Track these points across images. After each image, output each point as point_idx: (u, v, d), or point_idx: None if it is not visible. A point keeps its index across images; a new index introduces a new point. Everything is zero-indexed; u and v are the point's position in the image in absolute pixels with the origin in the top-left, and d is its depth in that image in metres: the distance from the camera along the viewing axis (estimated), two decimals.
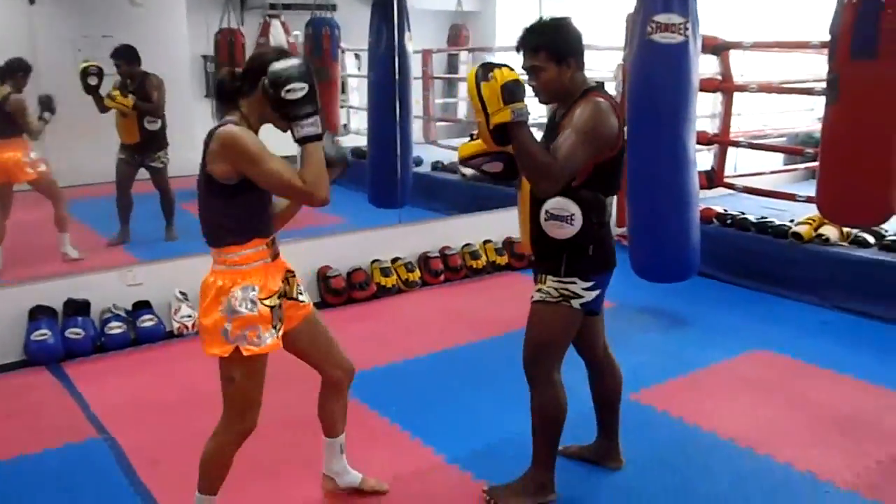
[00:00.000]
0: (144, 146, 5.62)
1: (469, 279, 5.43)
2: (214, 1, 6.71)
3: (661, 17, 4.24)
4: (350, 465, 2.86)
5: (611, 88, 6.15)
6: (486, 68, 2.36)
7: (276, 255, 2.46)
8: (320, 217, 6.38)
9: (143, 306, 4.37)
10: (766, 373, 3.93)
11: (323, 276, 4.95)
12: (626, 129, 2.78)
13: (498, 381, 3.80)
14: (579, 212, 2.53)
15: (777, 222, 5.13)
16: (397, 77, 5.59)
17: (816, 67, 7.74)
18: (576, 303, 2.63)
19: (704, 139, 5.27)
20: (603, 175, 2.57)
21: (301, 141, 2.26)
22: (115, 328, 4.17)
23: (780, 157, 7.36)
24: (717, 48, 5.20)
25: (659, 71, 4.36)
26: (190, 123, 6.03)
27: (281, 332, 2.42)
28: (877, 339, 4.34)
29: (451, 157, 7.50)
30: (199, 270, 4.30)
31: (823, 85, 6.91)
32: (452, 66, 9.23)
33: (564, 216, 2.54)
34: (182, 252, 4.70)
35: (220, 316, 2.33)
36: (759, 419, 3.41)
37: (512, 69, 2.39)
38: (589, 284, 2.62)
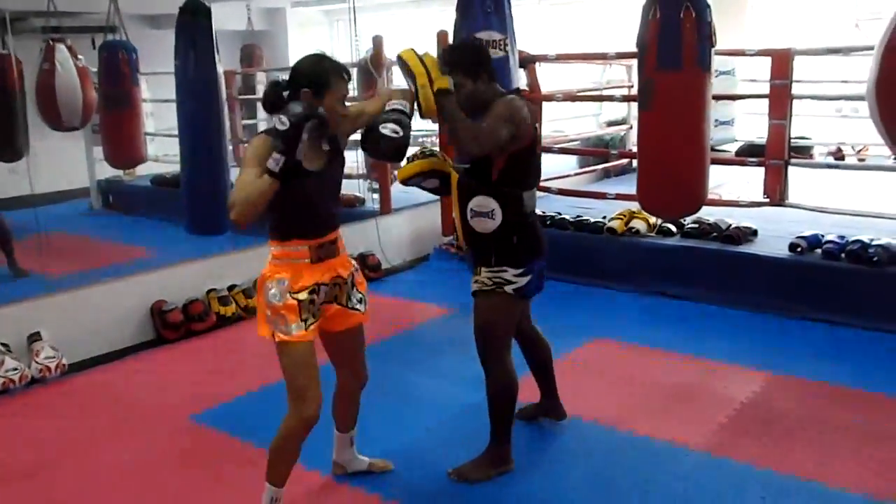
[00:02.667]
0: None
1: None
2: None
3: (483, 34, 4.50)
4: (240, 500, 2.85)
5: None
6: (415, 49, 2.74)
7: (321, 259, 2.61)
8: (126, 251, 6.10)
9: None
10: (608, 358, 4.28)
11: (158, 311, 4.70)
12: (538, 130, 3.04)
13: (367, 394, 3.82)
14: (498, 206, 2.84)
15: (592, 220, 5.57)
16: (214, 101, 5.42)
17: (608, 76, 8.50)
18: (509, 288, 2.92)
19: None
20: (516, 170, 2.85)
21: (264, 169, 2.41)
22: None
23: (573, 159, 7.97)
24: (525, 61, 5.56)
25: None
26: None
27: (313, 326, 2.60)
28: (689, 316, 4.84)
29: None
30: (19, 318, 4.02)
31: (616, 92, 7.61)
32: (248, 86, 9.06)
33: (486, 212, 2.85)
34: None
35: (263, 302, 2.60)
36: (614, 400, 3.71)
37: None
38: (519, 271, 2.91)
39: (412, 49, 2.78)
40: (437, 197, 5.73)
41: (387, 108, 2.68)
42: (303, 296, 2.56)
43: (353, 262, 2.80)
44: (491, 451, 3.08)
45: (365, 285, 2.81)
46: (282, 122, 2.36)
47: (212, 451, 3.39)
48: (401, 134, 2.62)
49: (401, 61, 2.79)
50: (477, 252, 2.98)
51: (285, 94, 2.54)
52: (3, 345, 4.08)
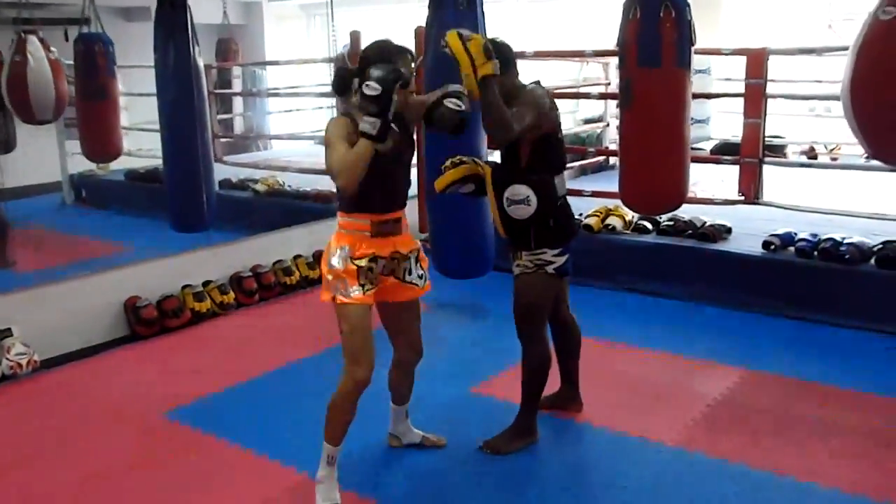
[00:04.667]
0: None
1: (284, 296, 5.37)
2: None
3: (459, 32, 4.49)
4: (216, 500, 2.84)
5: None
6: (463, 33, 2.80)
7: (383, 234, 2.80)
8: (100, 246, 6.03)
9: None
10: (582, 355, 4.27)
11: (132, 308, 4.65)
12: (559, 117, 3.17)
13: None
14: (532, 193, 3.01)
15: None
16: (194, 95, 5.36)
17: (585, 73, 8.54)
18: (550, 268, 3.12)
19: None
20: (542, 156, 3.03)
21: (360, 133, 2.61)
22: None
23: None
24: None
25: (456, 81, 4.60)
26: None
27: (371, 291, 2.79)
28: (663, 313, 4.88)
29: (237, 173, 7.32)
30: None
31: (593, 89, 7.63)
32: (224, 80, 8.99)
33: (521, 199, 3.04)
34: None
35: (327, 268, 2.80)
36: (589, 397, 3.71)
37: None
38: (557, 251, 3.12)
39: (456, 33, 2.82)
40: (414, 194, 5.74)
41: (446, 89, 2.87)
42: (362, 262, 2.76)
43: (418, 242, 2.99)
44: (519, 424, 3.27)
45: (427, 262, 3.01)
46: (373, 88, 2.54)
47: (186, 448, 3.37)
48: (463, 107, 2.81)
49: (446, 46, 2.85)
50: (516, 238, 3.16)
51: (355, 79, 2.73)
52: None
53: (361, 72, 2.67)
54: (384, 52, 2.73)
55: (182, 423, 3.56)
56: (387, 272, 2.86)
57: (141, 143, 6.80)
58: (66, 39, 6.41)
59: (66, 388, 4.04)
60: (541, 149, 3.05)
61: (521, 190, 3.04)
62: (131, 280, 4.77)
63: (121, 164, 7.11)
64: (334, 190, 6.15)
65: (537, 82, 3.14)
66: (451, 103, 2.80)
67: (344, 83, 2.77)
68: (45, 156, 6.87)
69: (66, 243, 6.18)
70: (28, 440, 3.47)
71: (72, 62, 6.10)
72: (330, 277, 2.79)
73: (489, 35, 3.36)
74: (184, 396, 3.81)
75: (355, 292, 2.76)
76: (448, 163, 3.25)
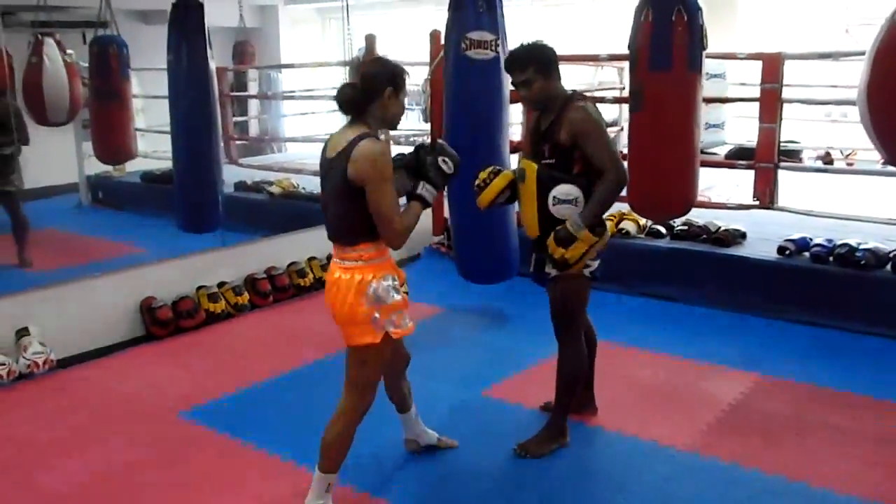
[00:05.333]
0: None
1: (298, 297, 5.39)
2: None
3: (474, 35, 4.50)
4: (229, 499, 2.86)
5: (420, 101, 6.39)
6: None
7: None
8: (116, 247, 6.08)
9: None
10: (596, 359, 4.27)
11: (147, 308, 4.68)
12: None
13: None
14: (581, 195, 3.05)
15: None
16: (207, 97, 5.41)
17: (599, 77, 8.54)
18: (587, 271, 3.18)
19: (512, 147, 5.61)
20: (591, 164, 3.06)
21: (416, 198, 2.69)
22: None
23: None
24: None
25: (473, 84, 4.62)
26: None
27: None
28: (678, 318, 4.86)
29: (252, 175, 7.37)
30: (8, 312, 3.99)
31: (607, 93, 7.62)
32: (240, 83, 9.05)
33: (570, 199, 3.08)
34: None
35: (367, 307, 2.60)
36: (601, 401, 3.71)
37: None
38: (595, 254, 3.15)
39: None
40: None
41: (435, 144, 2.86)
42: (405, 289, 2.73)
43: None
44: (552, 426, 3.29)
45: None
46: (448, 166, 2.70)
47: (200, 447, 3.39)
48: (452, 171, 2.77)
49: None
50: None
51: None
52: None
53: (380, 82, 2.60)
54: (395, 70, 2.65)
55: (197, 423, 3.58)
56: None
57: (157, 146, 6.85)
58: (84, 42, 6.47)
59: (82, 387, 4.07)
60: (589, 159, 3.09)
61: (572, 190, 3.07)
62: (147, 281, 4.80)
63: (137, 165, 7.17)
64: None
65: (574, 91, 3.20)
66: (443, 164, 2.73)
67: (355, 105, 2.63)
68: (63, 157, 6.93)
69: (82, 244, 6.23)
70: (44, 438, 3.50)
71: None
72: (377, 315, 2.61)
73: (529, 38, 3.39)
74: (198, 396, 3.84)
75: (409, 321, 2.72)
76: (485, 175, 3.28)
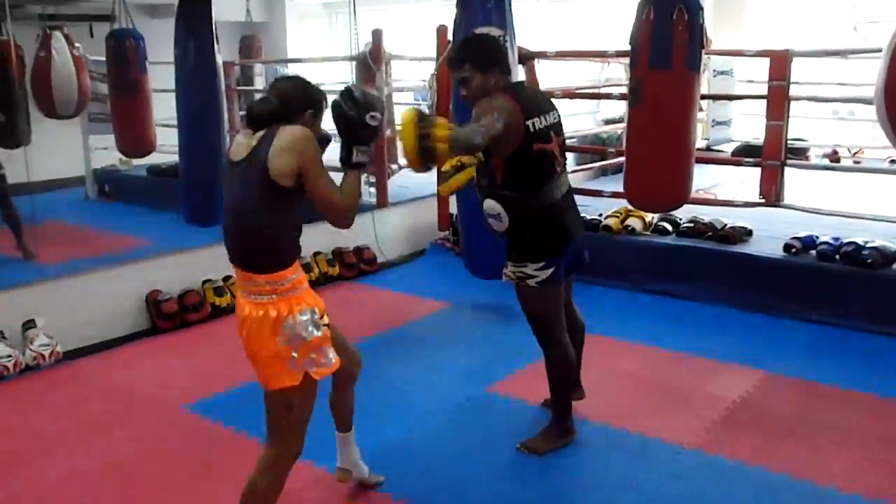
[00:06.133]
0: None
1: None
2: None
3: (482, 30, 4.49)
4: (233, 491, 2.73)
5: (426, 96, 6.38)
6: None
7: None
8: (122, 240, 6.09)
9: None
10: (599, 355, 4.25)
11: (153, 301, 4.70)
12: (539, 128, 2.93)
13: (364, 387, 3.83)
14: (503, 210, 2.93)
15: (587, 217, 5.56)
16: (214, 91, 5.41)
17: (606, 74, 8.52)
18: (531, 282, 3.05)
19: None
20: (517, 173, 2.90)
21: (353, 165, 2.35)
22: None
23: (570, 156, 7.99)
24: (524, 57, 5.55)
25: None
26: None
27: None
28: (682, 314, 4.85)
29: None
30: (14, 304, 3.99)
31: (613, 90, 7.61)
32: (246, 77, 9.05)
33: (494, 214, 2.98)
34: None
35: (282, 347, 2.27)
36: (605, 397, 3.72)
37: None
38: (540, 265, 3.02)
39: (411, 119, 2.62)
40: (434, 191, 5.76)
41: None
42: (327, 319, 2.36)
43: None
44: (554, 425, 3.25)
45: None
46: (375, 119, 2.31)
47: (204, 440, 3.40)
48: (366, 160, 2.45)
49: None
50: (506, 246, 3.12)
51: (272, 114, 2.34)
52: None
53: (299, 103, 2.35)
54: (317, 95, 2.42)
55: (201, 416, 3.59)
56: None
57: (164, 139, 6.85)
58: (92, 36, 6.48)
59: (88, 379, 4.09)
60: (515, 166, 2.91)
61: (493, 205, 2.98)
62: (153, 274, 4.82)
63: (143, 159, 7.19)
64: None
65: (513, 86, 3.01)
66: (371, 120, 2.34)
67: (274, 119, 2.30)
68: (70, 150, 6.95)
69: (88, 237, 6.24)
70: (49, 430, 3.52)
71: (96, 58, 6.16)
72: (295, 355, 2.27)
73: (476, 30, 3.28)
74: (203, 390, 3.85)
75: (334, 357, 2.38)
76: (449, 167, 3.15)
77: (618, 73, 8.33)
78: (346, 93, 2.33)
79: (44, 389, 3.96)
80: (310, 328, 2.28)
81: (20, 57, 6.06)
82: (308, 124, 2.33)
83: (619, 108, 8.39)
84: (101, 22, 6.34)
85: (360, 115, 2.30)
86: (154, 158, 7.21)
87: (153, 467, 3.18)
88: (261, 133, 2.27)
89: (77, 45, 6.47)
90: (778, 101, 5.00)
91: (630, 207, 5.41)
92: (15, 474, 3.15)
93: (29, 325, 4.21)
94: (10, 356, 4.01)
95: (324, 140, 2.42)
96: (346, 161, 2.36)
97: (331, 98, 2.39)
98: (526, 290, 3.09)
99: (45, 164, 5.84)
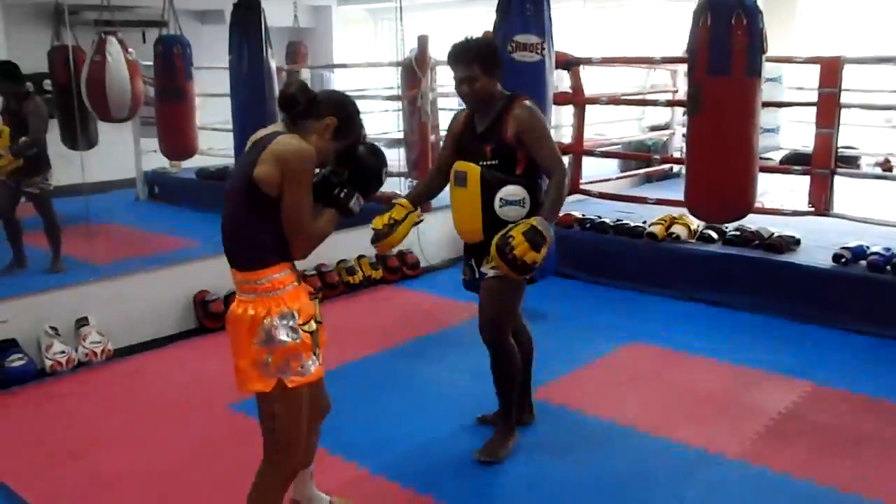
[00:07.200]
0: (20, 171, 5.20)
1: (346, 295, 5.45)
2: (37, 17, 6.31)
3: (520, 38, 4.52)
4: None
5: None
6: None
7: (301, 278, 2.34)
8: (171, 241, 6.22)
9: (9, 345, 4.05)
10: (643, 363, 4.26)
11: (200, 301, 4.79)
12: None
13: (401, 389, 3.88)
14: (527, 196, 2.99)
15: (632, 224, 5.54)
16: (267, 96, 5.50)
17: (652, 80, 8.47)
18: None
19: (560, 149, 5.59)
20: (533, 164, 3.03)
21: (340, 208, 2.30)
22: None
23: (614, 163, 7.96)
24: (569, 64, 5.56)
25: (518, 87, 4.62)
26: None
27: (321, 358, 2.30)
28: (727, 324, 4.79)
29: None
30: (68, 302, 4.11)
31: (661, 96, 7.56)
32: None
33: (517, 200, 3.00)
34: (47, 284, 4.43)
35: (256, 348, 2.19)
36: (649, 405, 3.70)
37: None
38: None
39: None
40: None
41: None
42: (312, 326, 2.25)
43: None
44: (504, 424, 3.25)
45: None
46: (385, 176, 2.40)
47: (250, 439, 3.42)
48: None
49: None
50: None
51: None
52: (53, 328, 4.20)
53: (327, 106, 2.28)
54: (352, 109, 2.36)
55: (247, 415, 3.63)
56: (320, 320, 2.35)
57: (213, 143, 6.99)
58: (144, 41, 6.64)
59: (138, 376, 4.19)
60: (531, 158, 3.03)
61: (518, 191, 3.00)
62: (201, 275, 4.91)
63: (192, 162, 7.34)
64: (397, 192, 6.18)
65: (515, 91, 3.12)
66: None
67: (295, 106, 2.24)
68: (122, 153, 7.12)
69: (139, 238, 6.39)
70: (100, 425, 3.61)
71: (148, 63, 6.31)
72: (268, 359, 2.19)
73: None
74: None
75: (313, 366, 2.24)
76: (381, 225, 3.12)
77: (664, 80, 8.28)
78: (372, 145, 2.43)
79: (95, 385, 4.06)
80: (286, 332, 2.18)
81: (76, 62, 6.24)
82: (321, 132, 2.26)
83: (665, 115, 8.34)
84: (154, 28, 6.50)
85: (380, 166, 2.39)
86: (203, 161, 7.37)
87: (200, 465, 3.24)
88: (269, 130, 2.27)
89: (130, 50, 6.64)
90: (828, 108, 4.93)
91: (675, 215, 5.37)
92: (69, 467, 3.24)
93: (82, 322, 4.33)
94: (63, 352, 4.12)
95: (347, 158, 2.37)
96: (339, 201, 2.31)
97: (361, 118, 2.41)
98: (509, 283, 3.06)
99: (98, 166, 6.00)
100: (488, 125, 3.06)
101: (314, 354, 2.26)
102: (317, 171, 2.30)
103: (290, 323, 2.19)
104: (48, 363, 4.09)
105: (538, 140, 2.99)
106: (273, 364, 2.20)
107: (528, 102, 3.05)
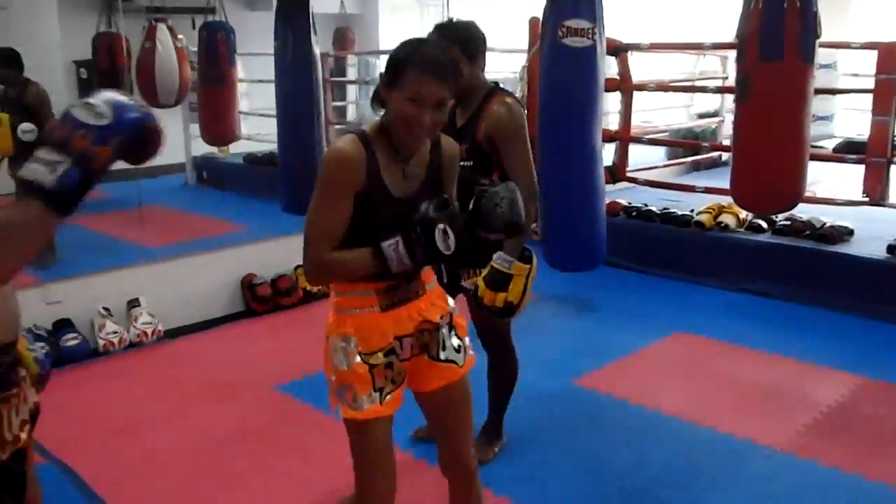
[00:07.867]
0: (21, 159, 5.28)
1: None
2: (91, 4, 6.42)
3: (571, 22, 4.45)
4: (318, 469, 2.90)
5: (516, 89, 6.36)
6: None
7: (396, 304, 1.95)
8: (220, 225, 6.31)
9: (64, 325, 4.17)
10: (690, 353, 4.22)
11: (248, 284, 4.87)
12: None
13: None
14: None
15: (679, 212, 5.47)
16: (311, 82, 5.53)
17: (701, 67, 8.33)
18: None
19: (607, 136, 5.55)
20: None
21: (377, 251, 1.84)
22: (38, 349, 3.95)
23: (661, 150, 7.85)
24: (618, 50, 5.49)
25: (569, 73, 4.56)
26: None
27: (392, 395, 1.95)
28: (777, 315, 4.72)
29: None
30: (120, 284, 4.19)
31: (709, 83, 7.43)
32: (340, 69, 9.23)
33: None
34: (101, 266, 4.54)
35: (329, 363, 1.99)
36: (695, 395, 3.66)
37: None
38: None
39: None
40: None
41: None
42: (377, 359, 1.93)
43: (449, 299, 2.10)
44: (491, 425, 3.17)
45: (465, 328, 2.10)
46: (448, 240, 1.81)
47: (295, 420, 3.51)
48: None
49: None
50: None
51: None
52: (105, 309, 4.31)
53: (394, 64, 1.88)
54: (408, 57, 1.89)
55: (293, 397, 3.71)
56: (416, 351, 2.00)
57: (259, 128, 7.06)
58: (193, 27, 6.72)
59: (187, 357, 4.27)
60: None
61: None
62: (248, 258, 4.99)
63: (240, 147, 7.43)
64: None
65: (497, 84, 2.85)
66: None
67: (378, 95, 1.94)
68: (171, 138, 7.23)
69: (188, 222, 6.49)
70: (151, 404, 3.70)
71: (196, 49, 6.40)
72: (332, 378, 1.97)
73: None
74: (294, 371, 3.96)
75: (368, 403, 1.92)
76: (479, 281, 2.75)
77: (713, 66, 8.14)
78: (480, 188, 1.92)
79: (146, 365, 4.16)
80: (339, 356, 1.94)
81: (126, 49, 6.35)
82: (389, 96, 1.88)
83: (715, 102, 8.20)
84: (203, 14, 6.58)
85: (483, 229, 1.88)
86: (250, 147, 7.45)
87: (246, 444, 3.29)
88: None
89: (180, 36, 6.74)
90: (886, 95, 4.80)
91: (723, 204, 5.29)
92: (121, 443, 3.32)
93: (133, 303, 4.43)
94: (115, 332, 4.22)
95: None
96: (378, 247, 1.84)
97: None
98: None
99: None
100: (466, 121, 2.78)
101: (376, 391, 1.93)
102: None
103: (346, 347, 1.93)
104: (101, 343, 4.20)
105: (509, 144, 2.70)
106: (332, 386, 1.99)
107: (508, 99, 2.75)
